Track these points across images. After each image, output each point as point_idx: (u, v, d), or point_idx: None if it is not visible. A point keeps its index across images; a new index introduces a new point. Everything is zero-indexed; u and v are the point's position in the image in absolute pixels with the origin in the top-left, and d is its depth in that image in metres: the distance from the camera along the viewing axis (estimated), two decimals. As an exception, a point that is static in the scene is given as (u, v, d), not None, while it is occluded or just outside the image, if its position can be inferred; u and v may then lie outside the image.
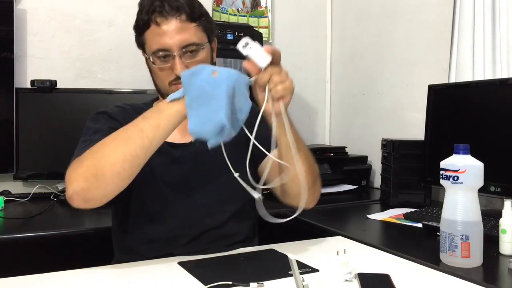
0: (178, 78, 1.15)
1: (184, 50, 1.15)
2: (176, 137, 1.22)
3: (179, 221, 1.20)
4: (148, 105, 1.30)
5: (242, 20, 2.41)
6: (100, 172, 0.98)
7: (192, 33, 1.17)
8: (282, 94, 1.01)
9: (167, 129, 1.01)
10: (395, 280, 0.95)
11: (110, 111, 1.24)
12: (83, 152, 1.05)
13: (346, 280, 0.95)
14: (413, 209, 1.57)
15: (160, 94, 1.26)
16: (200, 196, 1.22)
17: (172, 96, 1.01)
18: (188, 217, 1.20)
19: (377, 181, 2.18)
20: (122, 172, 0.99)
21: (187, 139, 1.24)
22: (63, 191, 1.89)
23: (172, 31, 1.15)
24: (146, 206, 1.20)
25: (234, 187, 1.03)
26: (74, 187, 0.99)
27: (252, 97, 1.03)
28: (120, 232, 1.26)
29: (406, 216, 1.52)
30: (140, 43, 1.23)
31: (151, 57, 1.18)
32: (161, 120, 1.01)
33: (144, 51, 1.23)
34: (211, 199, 1.22)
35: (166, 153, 1.21)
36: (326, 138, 2.65)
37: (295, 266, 0.82)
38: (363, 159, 2.24)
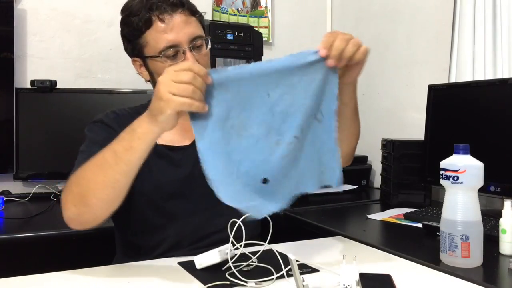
0: None
1: (192, 44, 1.12)
2: (175, 140, 1.20)
3: (180, 226, 1.18)
4: (145, 107, 1.27)
5: (242, 20, 2.41)
6: (86, 199, 0.98)
7: (196, 26, 1.16)
8: (361, 58, 1.03)
9: (140, 149, 0.94)
10: (395, 280, 0.94)
11: (106, 118, 1.20)
12: (79, 168, 1.03)
13: (344, 285, 0.91)
14: (413, 209, 1.57)
15: None
16: (201, 200, 1.17)
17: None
18: (190, 222, 1.18)
19: (377, 181, 2.18)
20: (106, 198, 0.98)
21: (187, 141, 1.21)
22: (63, 191, 1.90)
23: (179, 25, 1.11)
24: (146, 211, 1.18)
25: None
26: (67, 213, 1.02)
27: None
28: (121, 235, 1.25)
29: (406, 216, 1.52)
30: (137, 47, 1.16)
31: (159, 58, 1.12)
32: (133, 141, 0.94)
33: (140, 56, 1.17)
34: (213, 203, 1.19)
35: (166, 156, 1.18)
36: (326, 138, 2.65)
37: (295, 266, 0.82)
38: (363, 159, 2.23)
